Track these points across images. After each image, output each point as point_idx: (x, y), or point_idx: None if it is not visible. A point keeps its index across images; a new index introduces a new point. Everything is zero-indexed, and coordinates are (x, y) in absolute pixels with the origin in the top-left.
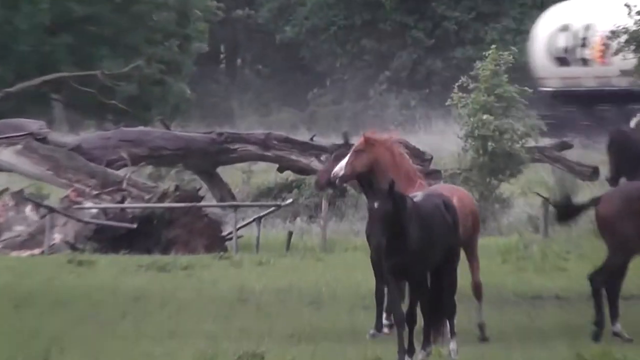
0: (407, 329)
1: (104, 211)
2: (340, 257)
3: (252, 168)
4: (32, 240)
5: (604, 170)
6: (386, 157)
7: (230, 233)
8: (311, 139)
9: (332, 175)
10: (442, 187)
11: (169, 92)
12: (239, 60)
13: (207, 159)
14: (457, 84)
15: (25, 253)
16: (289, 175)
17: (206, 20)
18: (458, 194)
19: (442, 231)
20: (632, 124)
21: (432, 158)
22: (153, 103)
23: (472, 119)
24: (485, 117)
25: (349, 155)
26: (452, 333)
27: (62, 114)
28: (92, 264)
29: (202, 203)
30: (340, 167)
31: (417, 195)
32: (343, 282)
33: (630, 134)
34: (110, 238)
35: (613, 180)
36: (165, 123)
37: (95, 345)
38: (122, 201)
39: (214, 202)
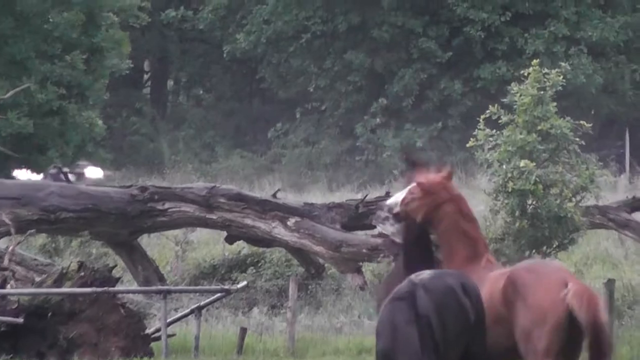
0: None
1: None
2: None
3: (189, 237)
4: None
5: None
6: (449, 213)
7: (157, 330)
8: (274, 195)
9: (384, 209)
10: (536, 266)
11: (70, 125)
12: (170, 83)
13: (125, 225)
14: (483, 117)
15: None
16: (241, 247)
17: (124, 26)
18: (575, 280)
19: (457, 328)
20: None
21: None
22: (48, 142)
23: (504, 167)
24: (523, 163)
25: (408, 187)
26: None
27: None
28: None
29: (118, 288)
30: (394, 202)
31: (424, 273)
32: None
33: None
34: None
35: None
36: (64, 172)
37: None
38: (2, 285)
39: (135, 286)
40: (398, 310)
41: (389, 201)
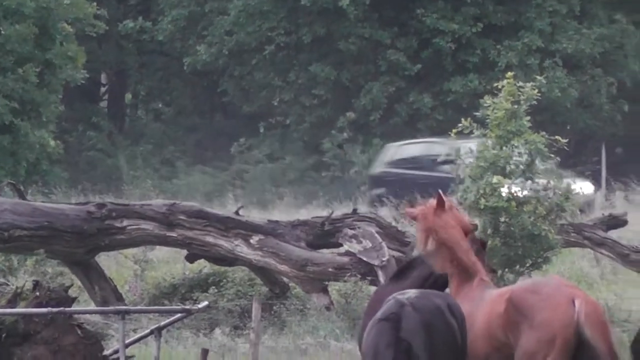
0: None
1: None
2: None
3: (148, 256)
4: None
5: None
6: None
7: (116, 352)
8: (236, 212)
9: None
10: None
11: (23, 143)
12: (128, 96)
13: (82, 243)
14: (455, 131)
15: None
16: (203, 266)
17: (80, 37)
18: (582, 296)
19: (444, 349)
20: None
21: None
22: (0, 159)
23: (477, 184)
24: (496, 179)
25: None
26: None
27: None
28: None
29: (74, 308)
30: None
31: (409, 292)
32: None
33: None
34: None
35: None
36: (18, 189)
37: None
38: None
39: (92, 307)
40: (381, 332)
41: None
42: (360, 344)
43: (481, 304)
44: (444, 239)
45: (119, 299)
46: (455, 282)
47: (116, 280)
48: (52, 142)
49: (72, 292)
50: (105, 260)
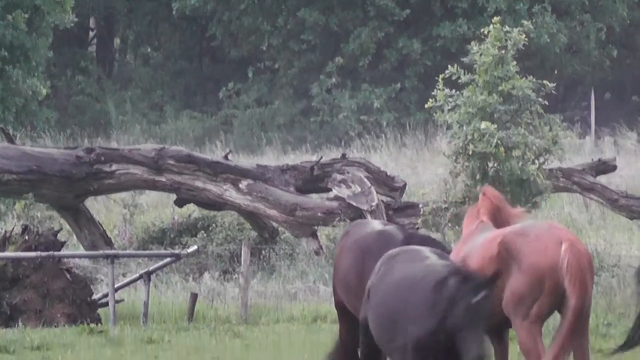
0: None
1: None
2: (268, 331)
3: (137, 200)
4: None
5: None
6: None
7: (105, 296)
8: (225, 157)
9: None
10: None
11: (12, 88)
12: (117, 41)
13: (71, 187)
14: (442, 77)
15: None
16: (192, 210)
17: None
18: (570, 241)
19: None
20: None
21: (405, 185)
22: None
23: (464, 129)
24: (484, 125)
25: None
26: None
27: None
28: None
29: (63, 252)
30: None
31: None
32: None
33: None
34: None
35: None
36: (7, 133)
37: None
38: None
39: (81, 251)
40: None
41: None
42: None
43: (477, 246)
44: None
45: (108, 243)
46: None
47: (105, 225)
48: (43, 90)
49: (61, 237)
50: (94, 205)
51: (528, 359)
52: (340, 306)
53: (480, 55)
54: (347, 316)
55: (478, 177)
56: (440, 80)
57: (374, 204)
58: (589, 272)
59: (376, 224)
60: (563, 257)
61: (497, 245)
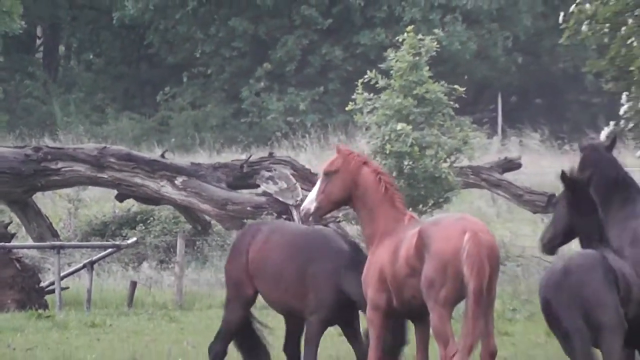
0: None
1: None
2: (200, 316)
3: (80, 196)
4: None
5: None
6: (369, 180)
7: (51, 284)
8: (162, 156)
9: (301, 213)
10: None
11: None
12: (61, 48)
13: (19, 183)
14: (361, 81)
15: None
16: (131, 205)
17: None
18: (474, 230)
19: None
20: (603, 136)
21: None
22: None
23: (382, 130)
24: (400, 126)
25: (318, 181)
26: None
27: None
28: None
29: (12, 244)
30: (309, 200)
31: None
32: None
33: (603, 151)
34: None
35: None
36: None
37: None
38: None
39: (29, 242)
40: None
41: (304, 203)
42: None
43: (406, 238)
44: (377, 171)
45: (54, 235)
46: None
47: (51, 218)
48: None
49: (11, 229)
50: (42, 199)
51: (437, 341)
52: (245, 291)
53: (397, 61)
54: (246, 301)
55: (394, 174)
56: (359, 84)
57: (299, 198)
58: (488, 260)
59: (297, 224)
60: (464, 245)
61: (417, 234)
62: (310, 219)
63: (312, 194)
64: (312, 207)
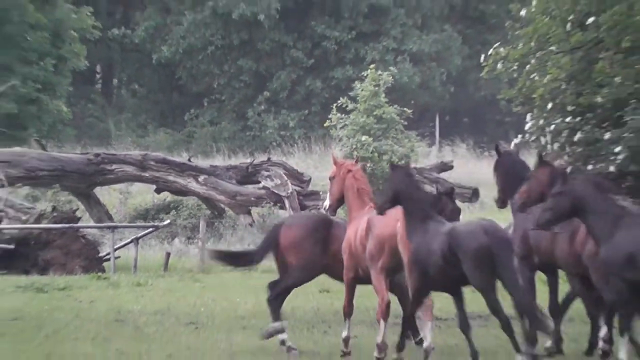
0: None
1: None
2: (217, 278)
3: (129, 189)
4: None
5: (484, 191)
6: (349, 184)
7: (107, 254)
8: (189, 160)
9: (325, 209)
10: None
11: (45, 111)
12: (115, 80)
13: (84, 180)
14: (336, 105)
15: None
16: (166, 196)
17: (82, 40)
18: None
19: None
20: (512, 145)
21: (310, 179)
22: (29, 122)
23: (351, 141)
24: (364, 138)
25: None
26: None
27: None
28: None
29: (79, 224)
30: (326, 200)
31: None
32: (221, 303)
33: (515, 156)
34: None
35: (500, 202)
36: (41, 143)
37: None
38: None
39: (91, 223)
40: None
41: (324, 203)
42: None
43: (361, 224)
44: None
45: (109, 218)
46: (355, 207)
47: (107, 206)
48: (64, 109)
49: (78, 214)
50: (100, 192)
51: (377, 294)
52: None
53: (362, 90)
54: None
55: None
56: (334, 107)
57: (289, 191)
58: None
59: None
60: (398, 230)
61: (367, 221)
62: (328, 212)
63: (327, 195)
64: (327, 205)
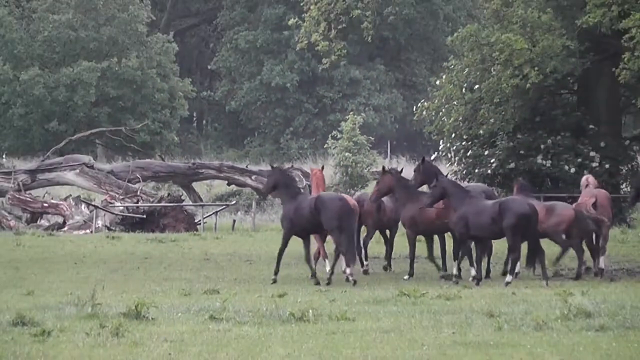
0: None
1: (127, 208)
2: (263, 235)
3: (212, 183)
4: (85, 225)
5: None
6: (313, 181)
7: (199, 221)
8: (246, 167)
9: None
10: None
11: (164, 139)
12: (204, 121)
13: (186, 178)
14: (331, 135)
15: (81, 232)
16: (233, 187)
17: (185, 97)
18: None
19: None
20: (432, 158)
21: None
22: (155, 145)
23: (339, 156)
24: (347, 154)
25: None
26: None
27: (102, 152)
28: (120, 239)
29: (183, 203)
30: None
31: None
32: (265, 249)
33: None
34: (130, 223)
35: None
36: (162, 157)
37: (122, 286)
38: (137, 202)
39: (190, 203)
40: None
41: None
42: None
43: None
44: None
45: (200, 199)
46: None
47: (199, 192)
48: (175, 138)
49: (182, 197)
50: (196, 185)
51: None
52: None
53: (345, 127)
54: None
55: (344, 174)
56: (330, 137)
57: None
58: (355, 211)
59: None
60: (353, 204)
61: (317, 197)
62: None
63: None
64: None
